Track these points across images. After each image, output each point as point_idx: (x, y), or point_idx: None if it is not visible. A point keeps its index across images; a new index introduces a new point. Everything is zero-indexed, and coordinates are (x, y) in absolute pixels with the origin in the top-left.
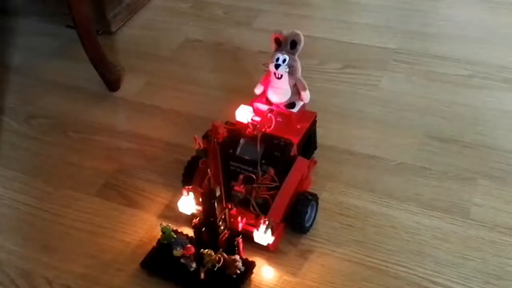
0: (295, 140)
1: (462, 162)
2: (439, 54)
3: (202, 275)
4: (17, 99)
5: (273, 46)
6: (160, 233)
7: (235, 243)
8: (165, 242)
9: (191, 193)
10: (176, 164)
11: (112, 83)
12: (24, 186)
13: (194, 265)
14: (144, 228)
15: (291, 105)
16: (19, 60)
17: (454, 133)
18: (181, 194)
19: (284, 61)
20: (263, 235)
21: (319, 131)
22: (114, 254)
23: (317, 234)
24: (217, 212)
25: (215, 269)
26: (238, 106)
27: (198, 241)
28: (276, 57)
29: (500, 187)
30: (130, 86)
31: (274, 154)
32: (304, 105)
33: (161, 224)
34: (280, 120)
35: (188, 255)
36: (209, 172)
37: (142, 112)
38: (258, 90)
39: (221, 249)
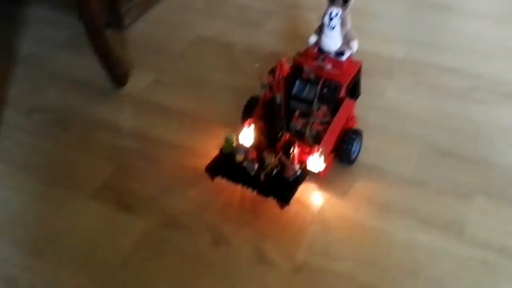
0: (344, 83)
1: (460, 176)
2: (445, 65)
3: (262, 177)
4: (21, 90)
5: (327, 1)
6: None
7: (292, 148)
8: (227, 151)
9: (252, 125)
10: (177, 167)
11: (119, 78)
12: (18, 182)
13: (256, 167)
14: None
15: (340, 53)
16: (27, 50)
17: (454, 146)
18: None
19: (336, 14)
20: (316, 162)
21: None
22: (103, 264)
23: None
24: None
25: (273, 173)
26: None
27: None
28: (330, 11)
29: (497, 205)
30: (138, 82)
31: (326, 94)
32: (351, 54)
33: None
34: (332, 65)
35: (250, 158)
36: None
37: (148, 110)
38: (313, 39)
39: (281, 153)
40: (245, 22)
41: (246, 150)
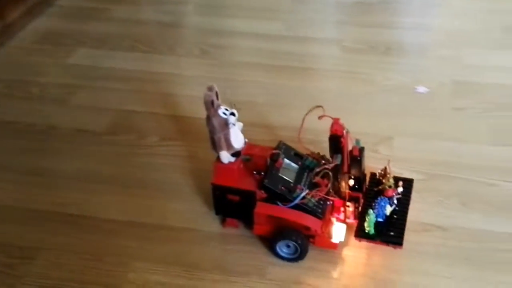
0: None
1: None
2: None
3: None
4: None
5: (215, 102)
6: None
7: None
8: (372, 227)
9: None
10: None
11: None
12: None
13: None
14: None
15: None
16: None
17: None
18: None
19: (226, 109)
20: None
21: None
22: None
23: None
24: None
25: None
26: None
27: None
28: (222, 110)
29: None
30: None
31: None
32: None
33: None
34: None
35: (395, 192)
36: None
37: None
38: (225, 155)
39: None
40: (48, 101)
41: (387, 200)
